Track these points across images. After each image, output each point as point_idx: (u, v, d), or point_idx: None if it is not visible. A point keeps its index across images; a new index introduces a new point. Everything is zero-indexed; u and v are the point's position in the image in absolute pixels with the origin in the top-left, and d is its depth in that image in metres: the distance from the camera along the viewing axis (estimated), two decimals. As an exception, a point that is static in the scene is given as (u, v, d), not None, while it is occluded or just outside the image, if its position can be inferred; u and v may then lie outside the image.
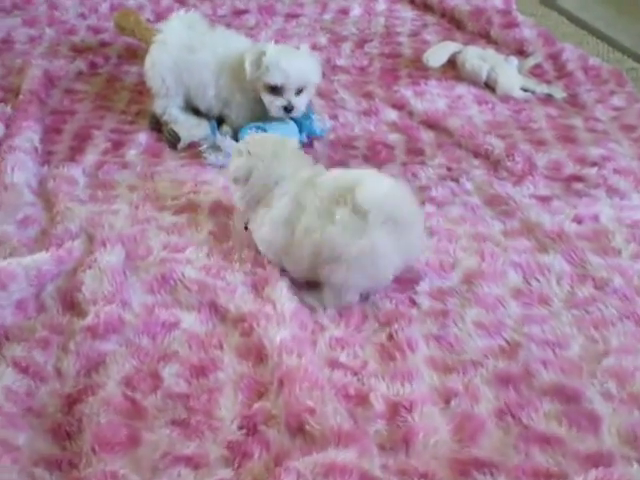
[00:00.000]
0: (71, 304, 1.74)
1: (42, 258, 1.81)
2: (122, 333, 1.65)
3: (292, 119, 2.37)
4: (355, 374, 1.59)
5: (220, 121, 2.44)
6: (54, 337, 1.65)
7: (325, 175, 1.82)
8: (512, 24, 3.32)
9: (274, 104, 2.30)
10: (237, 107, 2.37)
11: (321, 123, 2.49)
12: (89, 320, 1.66)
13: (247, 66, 2.29)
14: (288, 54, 2.33)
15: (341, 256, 1.67)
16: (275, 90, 2.29)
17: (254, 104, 2.36)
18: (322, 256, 1.70)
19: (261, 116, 2.37)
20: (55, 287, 1.79)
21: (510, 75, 2.82)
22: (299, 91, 2.31)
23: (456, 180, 2.25)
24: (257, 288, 1.80)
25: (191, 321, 1.71)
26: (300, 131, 2.39)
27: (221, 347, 1.64)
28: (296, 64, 2.30)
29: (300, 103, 2.31)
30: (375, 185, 1.72)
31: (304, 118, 2.39)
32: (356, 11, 3.66)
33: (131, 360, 1.59)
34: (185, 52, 2.39)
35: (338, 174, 1.83)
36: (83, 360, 1.59)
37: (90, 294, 1.73)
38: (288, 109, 2.30)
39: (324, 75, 2.79)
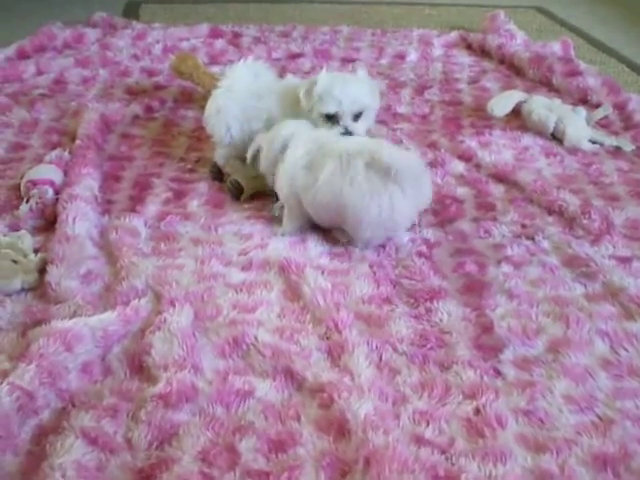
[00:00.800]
0: (139, 368, 1.66)
1: (109, 318, 1.73)
2: (195, 402, 1.56)
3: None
4: (443, 452, 1.49)
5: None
6: (123, 404, 1.56)
7: (338, 137, 2.14)
8: (575, 72, 3.24)
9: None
10: None
11: None
12: (161, 387, 1.57)
13: (302, 98, 2.24)
14: (340, 80, 2.27)
15: (362, 217, 1.98)
16: (331, 119, 2.22)
17: None
18: (344, 213, 2.00)
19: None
20: (122, 349, 1.72)
21: (578, 126, 2.74)
22: (356, 117, 2.24)
23: (532, 238, 2.16)
24: (333, 355, 1.71)
25: (266, 389, 1.62)
26: None
27: (299, 419, 1.55)
28: (349, 90, 2.23)
29: (359, 129, 2.24)
30: (391, 147, 2.10)
31: None
32: (412, 56, 3.61)
33: (206, 432, 1.50)
34: (252, 99, 2.34)
35: (350, 139, 2.15)
36: (155, 431, 1.50)
37: (160, 358, 1.64)
38: (346, 134, 2.21)
39: (386, 123, 2.75)
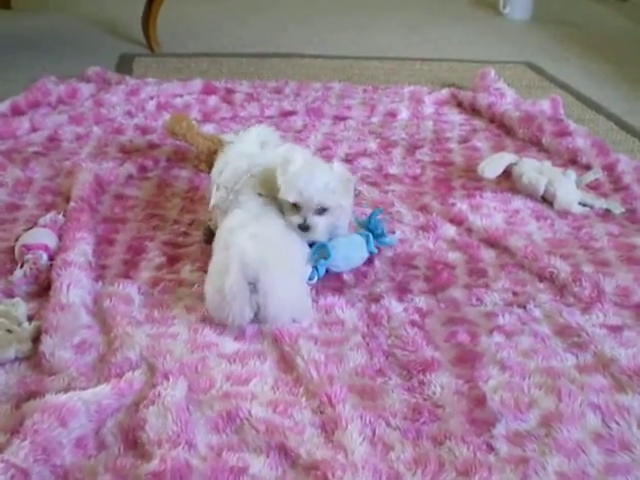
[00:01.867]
0: (133, 443, 1.66)
1: (102, 391, 1.74)
2: (190, 480, 1.56)
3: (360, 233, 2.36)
4: (437, 533, 1.49)
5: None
6: (118, 482, 1.56)
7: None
8: (564, 132, 3.28)
9: (291, 221, 2.18)
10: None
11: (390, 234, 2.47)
12: (155, 465, 1.57)
13: (278, 179, 2.21)
14: (308, 170, 2.19)
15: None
16: (295, 207, 2.19)
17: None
18: None
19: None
20: (115, 422, 1.72)
21: (569, 190, 2.77)
22: (321, 211, 2.18)
23: (523, 306, 2.17)
24: (326, 430, 1.71)
25: (260, 466, 1.62)
26: (367, 242, 2.35)
27: (293, 497, 1.55)
28: (314, 183, 2.16)
29: (320, 223, 2.17)
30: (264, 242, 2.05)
31: (375, 227, 2.36)
32: (404, 114, 3.63)
33: (200, 512, 1.50)
34: (240, 160, 2.34)
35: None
36: (150, 510, 1.50)
37: (154, 434, 1.64)
38: (303, 228, 2.17)
39: (378, 185, 2.77)
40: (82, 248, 2.28)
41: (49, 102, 3.57)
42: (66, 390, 1.75)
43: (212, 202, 2.33)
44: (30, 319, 2.04)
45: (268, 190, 2.25)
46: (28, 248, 2.26)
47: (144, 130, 3.32)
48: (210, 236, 2.41)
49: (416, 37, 5.25)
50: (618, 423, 1.77)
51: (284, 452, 1.65)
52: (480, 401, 1.81)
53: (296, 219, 2.18)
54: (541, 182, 2.78)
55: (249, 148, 2.41)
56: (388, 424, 1.75)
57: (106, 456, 1.63)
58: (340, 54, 4.76)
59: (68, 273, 2.13)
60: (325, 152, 3.18)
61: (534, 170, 2.84)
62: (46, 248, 2.27)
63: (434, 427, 1.74)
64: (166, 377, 1.80)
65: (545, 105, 3.70)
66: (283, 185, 2.18)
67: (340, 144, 3.27)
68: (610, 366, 1.94)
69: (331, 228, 2.24)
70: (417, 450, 1.68)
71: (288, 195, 2.17)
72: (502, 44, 5.16)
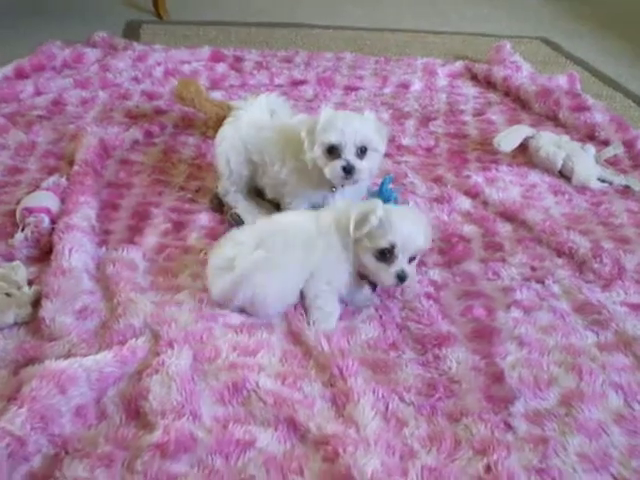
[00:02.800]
0: (136, 413, 1.59)
1: (104, 359, 1.66)
2: (194, 452, 1.49)
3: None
4: (454, 513, 1.42)
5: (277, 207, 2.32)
6: (118, 453, 1.49)
7: None
8: (582, 107, 3.19)
9: (332, 167, 2.08)
10: (293, 190, 2.22)
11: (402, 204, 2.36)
12: (158, 436, 1.50)
13: (304, 137, 2.13)
14: (343, 114, 2.18)
15: None
16: (333, 153, 2.09)
17: (308, 188, 2.21)
18: None
19: (317, 203, 2.22)
20: (118, 391, 1.65)
21: (587, 165, 2.68)
22: (361, 153, 2.10)
23: (541, 282, 2.10)
24: (337, 404, 1.64)
25: (268, 440, 1.55)
26: None
27: (302, 473, 1.48)
28: (352, 122, 2.11)
29: (362, 166, 2.09)
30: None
31: (387, 197, 2.24)
32: (417, 85, 3.55)
33: (204, 485, 1.43)
34: (254, 129, 2.27)
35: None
36: (151, 483, 1.42)
37: (157, 404, 1.57)
38: (347, 169, 2.07)
39: (391, 156, 2.69)
40: (85, 212, 2.20)
41: (54, 66, 3.48)
42: (66, 357, 1.68)
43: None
44: (30, 283, 1.96)
45: (286, 151, 2.20)
46: (30, 211, 2.18)
47: (151, 96, 3.24)
48: (219, 204, 2.34)
49: (428, 10, 5.16)
50: (641, 403, 1.70)
51: (293, 426, 1.58)
52: (498, 377, 1.74)
53: (339, 162, 2.08)
54: (559, 156, 2.70)
55: (259, 117, 2.32)
56: (402, 399, 1.68)
57: (107, 426, 1.57)
58: (352, 25, 4.65)
59: (70, 237, 2.06)
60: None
61: (552, 144, 2.76)
62: (48, 211, 2.20)
63: (450, 403, 1.68)
64: (170, 345, 1.73)
65: (562, 80, 3.62)
66: (322, 130, 2.09)
67: (352, 113, 3.18)
68: (632, 345, 1.87)
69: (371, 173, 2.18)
70: (432, 427, 1.62)
71: (329, 136, 2.08)
72: (516, 19, 5.07)
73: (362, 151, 2.09)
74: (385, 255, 1.83)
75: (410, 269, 1.84)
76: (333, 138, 2.08)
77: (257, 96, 2.40)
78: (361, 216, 1.83)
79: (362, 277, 1.92)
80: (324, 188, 2.19)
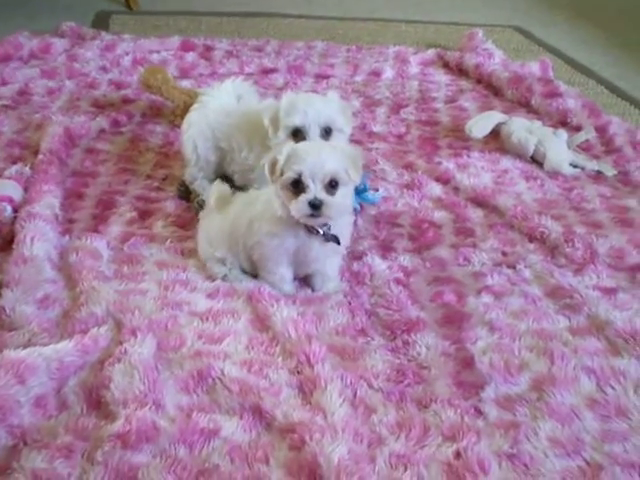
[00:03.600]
0: (97, 403, 1.55)
1: (65, 348, 1.62)
2: (156, 442, 1.46)
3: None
4: (422, 500, 1.39)
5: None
6: (78, 443, 1.45)
7: None
8: (554, 93, 3.16)
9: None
10: (261, 175, 2.15)
11: (373, 191, 2.36)
12: (119, 426, 1.46)
13: (267, 124, 2.09)
14: (305, 96, 2.16)
15: None
16: (298, 135, 2.06)
17: None
18: None
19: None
20: (79, 381, 1.61)
21: (559, 150, 2.66)
22: (326, 134, 2.06)
23: (512, 267, 2.07)
24: (304, 391, 1.61)
25: (232, 428, 1.51)
26: None
27: (267, 462, 1.45)
28: (314, 103, 2.08)
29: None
30: None
31: None
32: (388, 73, 3.52)
33: (167, 476, 1.40)
34: (222, 116, 2.24)
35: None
36: (112, 474, 1.39)
37: (120, 393, 1.53)
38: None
39: (361, 143, 2.65)
40: (49, 201, 2.16)
41: (21, 56, 3.45)
42: (26, 346, 1.63)
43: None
44: (-9, 273, 1.91)
45: (253, 137, 2.17)
46: (-9, 200, 2.13)
47: (118, 85, 3.20)
48: (185, 192, 2.31)
49: None
50: (614, 388, 1.67)
51: (259, 414, 1.54)
52: (468, 363, 1.71)
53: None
54: (531, 142, 2.68)
55: (226, 102, 2.28)
56: (370, 385, 1.65)
57: (67, 416, 1.53)
58: (324, 15, 4.61)
59: (33, 225, 2.02)
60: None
61: (524, 129, 2.74)
62: (10, 200, 2.16)
63: (419, 389, 1.65)
64: (133, 334, 1.69)
65: (534, 67, 3.61)
66: (283, 113, 2.05)
67: (322, 102, 3.14)
68: (605, 329, 1.84)
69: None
70: (401, 413, 1.58)
71: (292, 119, 2.05)
72: (490, 8, 5.04)
73: (327, 132, 2.04)
74: (297, 187, 1.78)
75: (329, 196, 1.78)
76: (297, 120, 2.05)
77: (223, 82, 2.36)
78: (271, 160, 1.82)
79: (310, 230, 1.87)
80: None
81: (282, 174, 1.80)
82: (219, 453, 1.46)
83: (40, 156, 2.40)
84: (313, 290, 1.95)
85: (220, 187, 2.06)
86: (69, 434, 1.47)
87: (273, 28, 4.28)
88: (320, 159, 1.77)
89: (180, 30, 4.11)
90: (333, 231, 1.87)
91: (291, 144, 1.89)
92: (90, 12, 4.39)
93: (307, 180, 1.76)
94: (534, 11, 5.04)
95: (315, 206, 1.76)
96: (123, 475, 1.39)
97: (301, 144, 1.89)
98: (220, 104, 2.27)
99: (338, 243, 1.89)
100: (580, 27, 4.70)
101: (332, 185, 1.78)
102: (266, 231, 1.88)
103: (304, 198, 1.76)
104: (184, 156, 2.30)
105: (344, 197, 1.83)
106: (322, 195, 1.77)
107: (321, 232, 1.86)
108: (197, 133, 2.26)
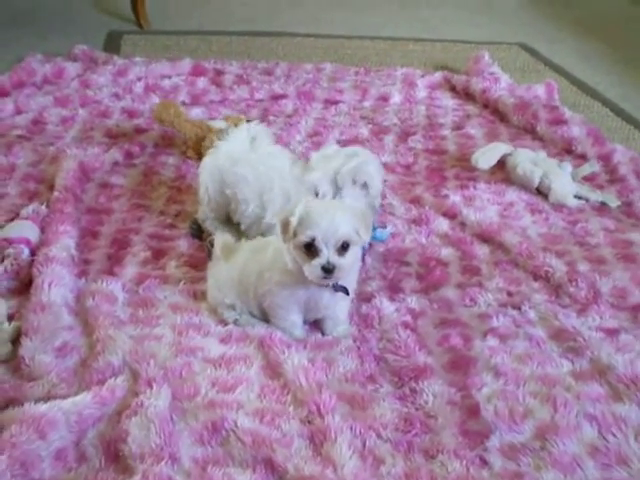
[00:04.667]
0: (115, 456, 1.60)
1: (83, 401, 1.68)
2: (173, 498, 1.51)
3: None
4: None
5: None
6: (98, 498, 1.51)
7: None
8: (559, 120, 3.21)
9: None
10: (270, 226, 2.20)
11: (381, 228, 2.42)
12: (137, 481, 1.51)
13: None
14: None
15: None
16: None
17: None
18: None
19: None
20: (97, 433, 1.66)
21: (564, 182, 2.71)
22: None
23: (518, 307, 2.12)
24: (315, 442, 1.66)
25: (246, 482, 1.56)
26: None
27: (280, 516, 1.50)
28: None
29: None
30: None
31: None
32: (396, 98, 3.57)
33: (183, 531, 1.45)
34: (228, 163, 2.28)
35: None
36: (131, 529, 1.44)
37: (137, 447, 1.58)
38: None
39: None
40: (65, 242, 2.22)
41: (34, 82, 3.50)
42: (46, 398, 1.69)
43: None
44: (10, 318, 1.98)
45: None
46: (9, 242, 2.20)
47: (131, 113, 3.25)
48: (198, 230, 2.36)
49: (408, 15, 5.16)
50: (615, 435, 1.72)
51: (271, 466, 1.59)
52: (473, 411, 1.76)
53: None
54: (536, 174, 2.73)
55: (237, 148, 2.33)
56: (379, 435, 1.69)
57: (87, 469, 1.58)
58: (332, 33, 4.67)
59: (50, 270, 2.07)
60: (316, 138, 3.12)
61: (529, 161, 2.78)
62: (28, 242, 2.21)
63: (426, 439, 1.69)
64: (149, 385, 1.74)
65: (540, 90, 3.64)
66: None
67: (331, 130, 3.21)
68: (607, 373, 1.89)
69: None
70: (408, 464, 1.63)
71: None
72: (496, 24, 5.08)
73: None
74: (310, 250, 1.82)
75: (339, 259, 1.82)
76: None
77: (239, 122, 2.42)
78: (284, 220, 1.85)
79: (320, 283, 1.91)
80: None
81: (295, 234, 1.83)
82: (234, 507, 1.51)
83: (56, 193, 2.45)
84: (323, 334, 2.00)
85: (224, 237, 2.13)
86: (89, 488, 1.53)
87: (282, 48, 4.33)
88: (333, 223, 1.80)
89: (191, 50, 4.17)
90: (341, 282, 1.92)
91: (304, 203, 1.89)
92: (101, 30, 4.44)
93: (320, 245, 1.81)
94: (540, 25, 5.08)
95: (328, 270, 1.81)
96: (141, 531, 1.45)
97: (314, 204, 1.89)
98: (231, 150, 2.31)
99: (347, 293, 1.95)
100: (585, 42, 4.73)
101: (344, 247, 1.83)
102: (277, 281, 1.93)
103: (317, 262, 1.81)
104: (199, 196, 2.35)
105: (354, 256, 1.88)
106: (334, 259, 1.81)
107: (330, 284, 1.91)
108: (209, 175, 2.31)
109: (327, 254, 1.81)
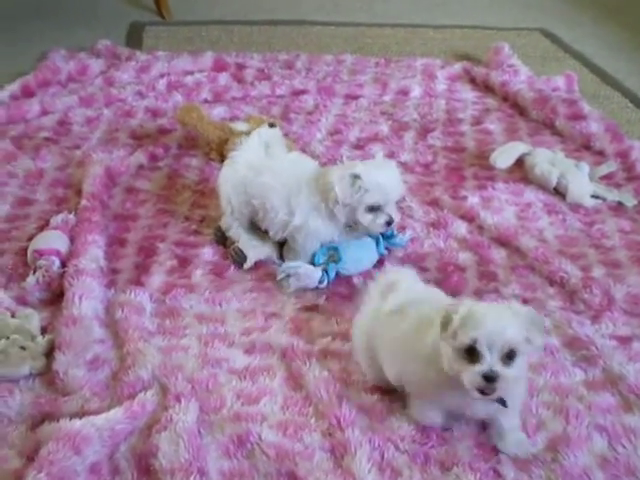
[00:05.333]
0: (146, 470, 1.68)
1: (115, 416, 1.76)
2: (202, 512, 1.59)
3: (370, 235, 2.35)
4: None
5: (280, 242, 2.41)
6: (132, 512, 1.60)
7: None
8: (578, 116, 3.25)
9: (376, 222, 2.23)
10: (309, 233, 2.27)
11: (400, 233, 2.48)
12: (168, 496, 1.60)
13: (338, 192, 2.19)
14: (379, 170, 2.24)
15: None
16: (375, 209, 2.22)
17: (329, 231, 2.29)
18: None
19: (328, 240, 2.32)
20: (129, 447, 1.75)
21: (581, 183, 2.76)
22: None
23: (533, 315, 2.16)
24: (335, 455, 1.73)
25: (271, 496, 1.65)
26: (377, 244, 2.36)
27: (302, 529, 1.58)
28: (389, 179, 2.23)
29: (395, 213, 2.27)
30: None
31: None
32: (416, 92, 3.60)
33: (212, 543, 1.54)
34: (251, 173, 2.34)
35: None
36: (162, 542, 1.53)
37: (167, 462, 1.67)
38: (390, 222, 2.24)
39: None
40: (94, 253, 2.29)
41: (59, 80, 3.56)
42: (80, 413, 1.78)
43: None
44: (43, 330, 2.07)
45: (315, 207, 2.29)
46: (40, 253, 2.27)
47: (155, 112, 3.31)
48: (222, 237, 2.42)
49: (428, 1, 5.15)
50: (624, 446, 1.78)
51: (294, 479, 1.67)
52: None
53: (382, 218, 2.26)
54: (554, 174, 2.77)
55: (254, 156, 2.39)
56: (397, 448, 1.76)
57: (120, 482, 1.67)
58: (352, 20, 4.70)
59: (80, 283, 2.15)
60: (336, 136, 3.18)
61: (547, 161, 2.83)
62: (58, 253, 2.29)
63: (442, 451, 1.76)
64: (178, 399, 1.82)
65: (560, 82, 3.67)
66: (365, 191, 2.21)
67: (352, 127, 3.26)
68: (618, 383, 1.95)
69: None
70: (425, 476, 1.70)
71: (374, 198, 2.22)
72: (516, 8, 5.07)
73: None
74: (471, 354, 1.60)
75: (504, 368, 1.60)
76: (380, 200, 2.22)
77: (261, 122, 2.48)
78: (445, 317, 1.67)
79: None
80: (350, 232, 2.32)
81: (455, 335, 1.62)
82: (259, 522, 1.59)
83: (83, 201, 2.52)
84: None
85: (392, 276, 1.95)
86: (122, 501, 1.62)
87: (303, 38, 4.37)
88: (500, 325, 1.59)
89: (212, 42, 4.22)
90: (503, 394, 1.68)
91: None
92: (124, 22, 4.48)
93: (483, 349, 1.58)
94: (561, 9, 5.07)
95: (490, 379, 1.58)
96: (172, 543, 1.54)
97: (479, 306, 1.67)
98: (249, 159, 2.37)
99: (505, 405, 1.69)
100: (606, 27, 4.73)
101: (510, 355, 1.60)
102: (429, 379, 1.74)
103: (478, 369, 1.58)
104: (221, 206, 2.41)
105: (521, 368, 1.65)
106: (498, 367, 1.58)
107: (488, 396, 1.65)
108: (231, 187, 2.36)
109: (490, 361, 1.58)
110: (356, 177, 2.18)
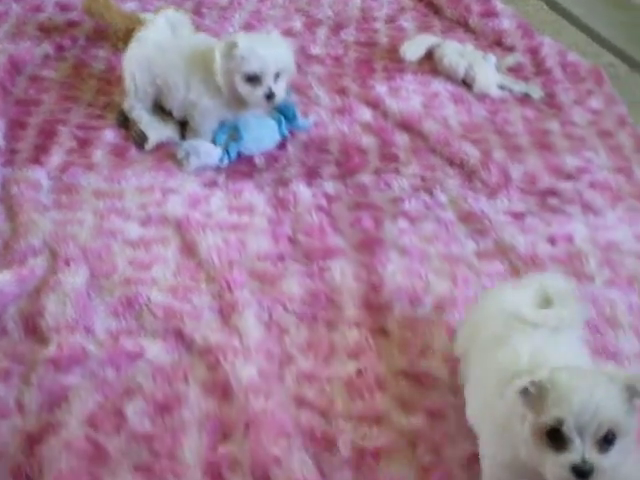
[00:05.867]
0: (33, 330, 1.70)
1: (4, 279, 1.76)
2: (85, 365, 1.62)
3: (271, 116, 2.34)
4: (322, 414, 1.56)
5: (182, 124, 2.39)
6: (15, 367, 1.61)
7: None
8: (491, 13, 3.25)
9: (254, 94, 2.18)
10: (204, 111, 2.27)
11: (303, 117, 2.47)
12: (52, 351, 1.62)
13: (218, 59, 2.18)
14: (261, 41, 2.24)
15: None
16: (253, 80, 2.18)
17: (221, 108, 2.28)
18: None
19: (226, 119, 2.31)
20: (17, 309, 1.75)
21: (488, 73, 2.77)
22: (276, 77, 2.18)
23: (430, 192, 2.20)
24: (223, 314, 1.76)
25: (156, 351, 1.67)
26: (280, 125, 2.35)
27: (186, 381, 1.61)
28: (271, 50, 2.20)
29: (280, 89, 2.21)
30: None
31: (286, 110, 2.36)
32: (332, -11, 3.55)
33: (95, 395, 1.56)
34: (158, 52, 2.32)
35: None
36: (45, 394, 1.55)
37: (53, 320, 1.68)
38: (270, 96, 2.18)
39: (299, 67, 2.73)
40: (-8, 132, 2.26)
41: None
42: (-33, 278, 1.77)
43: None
44: (-63, 203, 2.04)
45: (208, 81, 2.26)
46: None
47: (64, 7, 3.22)
48: (125, 120, 2.40)
49: None
50: (508, 307, 1.83)
51: (180, 337, 1.70)
52: (376, 286, 1.86)
53: (260, 90, 2.19)
54: (461, 65, 2.78)
55: (162, 36, 2.37)
56: (285, 308, 1.80)
57: (7, 342, 1.68)
58: None
59: (-24, 159, 2.12)
60: (248, 31, 3.12)
61: (455, 53, 2.84)
62: (-47, 131, 2.25)
63: (330, 312, 1.79)
64: (67, 264, 1.83)
65: (476, -18, 3.65)
66: (241, 59, 2.17)
67: (265, 23, 3.22)
68: (508, 253, 2.00)
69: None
70: (311, 334, 1.74)
71: (251, 66, 2.17)
72: None
73: (277, 76, 2.17)
74: (554, 438, 1.17)
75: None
76: (256, 68, 2.16)
77: (157, 13, 2.44)
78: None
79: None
80: (238, 107, 2.28)
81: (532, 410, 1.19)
82: (143, 374, 1.62)
83: (-16, 86, 2.48)
84: None
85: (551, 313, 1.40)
86: (7, 359, 1.63)
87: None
88: (593, 401, 1.14)
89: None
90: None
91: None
92: None
93: (571, 433, 1.15)
94: None
95: (581, 473, 1.15)
96: (55, 395, 1.55)
97: (564, 372, 1.20)
98: (156, 39, 2.34)
99: None
100: None
101: (607, 439, 1.16)
102: (496, 455, 1.32)
103: (566, 460, 1.15)
104: (125, 86, 2.39)
105: (621, 454, 1.18)
106: (593, 455, 1.14)
107: None
108: (136, 66, 2.33)
109: (582, 449, 1.15)
110: (233, 45, 2.17)
